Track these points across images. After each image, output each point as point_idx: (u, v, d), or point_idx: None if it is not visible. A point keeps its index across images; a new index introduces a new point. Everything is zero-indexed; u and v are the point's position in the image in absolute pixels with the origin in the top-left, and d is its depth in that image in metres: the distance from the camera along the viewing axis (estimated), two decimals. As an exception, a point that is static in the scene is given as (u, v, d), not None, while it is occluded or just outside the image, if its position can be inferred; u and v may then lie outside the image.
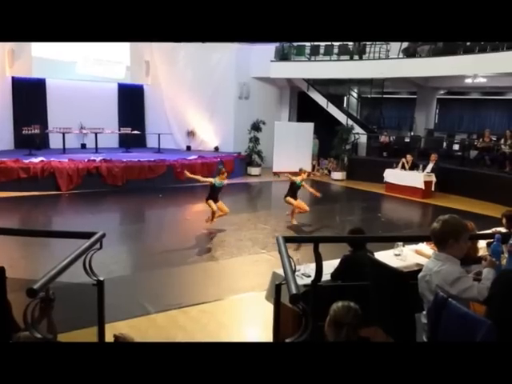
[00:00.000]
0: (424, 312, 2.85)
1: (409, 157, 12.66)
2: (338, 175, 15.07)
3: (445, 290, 2.60)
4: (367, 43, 14.70)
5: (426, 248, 4.71)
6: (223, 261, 6.82)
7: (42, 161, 11.54)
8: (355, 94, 17.34)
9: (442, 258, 2.74)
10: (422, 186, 11.99)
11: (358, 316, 2.46)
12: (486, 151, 12.96)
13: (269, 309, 3.90)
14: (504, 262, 3.31)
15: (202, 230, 8.53)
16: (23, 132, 13.17)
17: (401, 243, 4.69)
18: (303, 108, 17.54)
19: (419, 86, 16.42)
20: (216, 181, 8.32)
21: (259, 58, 15.99)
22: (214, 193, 8.38)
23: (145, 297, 5.32)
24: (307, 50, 15.76)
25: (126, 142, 15.55)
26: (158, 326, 4.68)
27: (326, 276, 3.80)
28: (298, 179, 8.76)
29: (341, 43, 15.03)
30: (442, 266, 2.70)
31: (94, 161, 12.10)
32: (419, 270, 2.95)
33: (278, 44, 15.76)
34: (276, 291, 2.98)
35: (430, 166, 12.45)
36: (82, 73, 15.13)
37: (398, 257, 4.56)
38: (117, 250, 7.03)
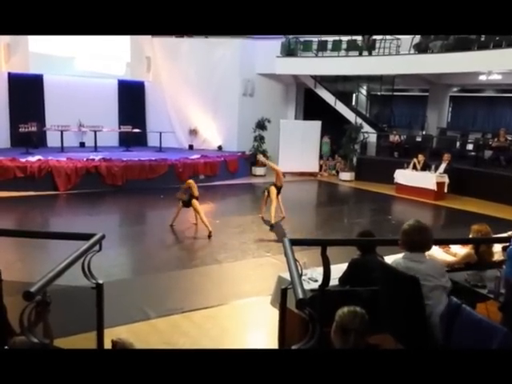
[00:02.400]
0: None
1: (420, 157, 12.60)
2: (346, 176, 15.04)
3: (436, 284, 2.97)
4: (377, 38, 14.67)
5: (438, 251, 4.69)
6: (227, 264, 6.81)
7: (40, 160, 11.57)
8: (364, 92, 17.30)
9: (422, 257, 3.13)
10: (434, 187, 11.94)
11: (365, 321, 2.45)
12: (501, 151, 12.89)
13: (274, 314, 3.90)
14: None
15: (206, 232, 8.53)
16: (20, 130, 13.22)
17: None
18: (310, 106, 17.51)
19: (431, 82, 16.37)
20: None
21: (264, 54, 15.98)
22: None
23: (145, 301, 5.32)
24: (314, 46, 15.74)
25: (126, 141, 15.57)
26: (159, 331, 4.68)
27: (334, 280, 3.80)
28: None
29: (349, 38, 15.01)
30: (427, 261, 3.12)
31: (93, 160, 12.13)
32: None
33: (283, 39, 15.74)
34: (282, 296, 2.98)
35: (442, 167, 12.40)
36: (80, 69, 15.18)
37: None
38: (117, 252, 7.05)
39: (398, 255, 4.67)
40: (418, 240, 3.07)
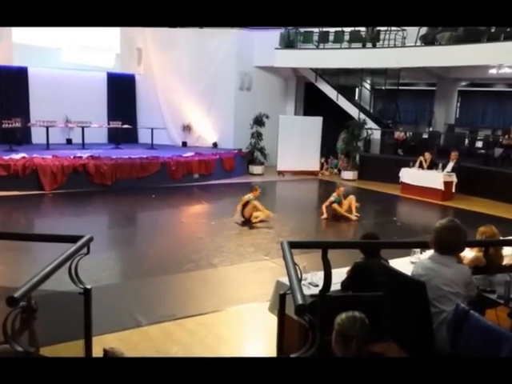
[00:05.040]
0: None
1: (427, 155, 12.62)
2: (348, 175, 15.07)
3: (458, 292, 2.91)
4: (381, 29, 14.68)
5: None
6: (222, 268, 6.82)
7: (24, 157, 11.55)
8: (368, 86, 17.32)
9: (451, 261, 3.04)
10: (441, 186, 11.97)
11: (365, 326, 2.46)
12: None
13: (272, 321, 3.91)
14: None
15: (200, 234, 8.56)
16: (3, 126, 13.18)
17: (418, 250, 4.68)
18: (311, 101, 17.53)
19: (439, 76, 16.41)
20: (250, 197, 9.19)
21: (262, 46, 15.99)
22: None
23: (136, 307, 5.32)
24: (315, 37, 15.75)
25: (116, 138, 15.56)
26: (151, 339, 4.68)
27: (336, 285, 3.81)
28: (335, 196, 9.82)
29: (352, 29, 15.02)
30: (456, 267, 3.03)
31: (81, 158, 12.11)
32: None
33: (283, 30, 15.75)
34: (280, 302, 2.99)
35: (450, 165, 12.43)
36: (67, 61, 15.15)
37: (414, 265, 4.55)
38: (105, 255, 7.04)
39: (403, 259, 4.71)
40: (447, 241, 3.01)
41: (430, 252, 4.79)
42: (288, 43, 15.91)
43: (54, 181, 11.40)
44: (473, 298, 3.06)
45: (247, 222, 9.05)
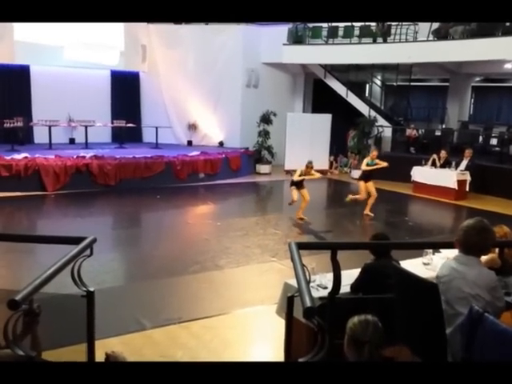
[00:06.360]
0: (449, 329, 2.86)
1: (443, 153, 12.45)
2: (358, 173, 14.98)
3: (479, 295, 2.83)
4: (392, 23, 14.63)
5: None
6: (229, 270, 6.82)
7: (26, 157, 11.62)
8: (379, 82, 17.27)
9: (476, 262, 2.97)
10: (454, 185, 11.91)
11: (378, 331, 2.44)
12: (528, 146, 12.87)
13: (280, 324, 3.90)
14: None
15: (206, 235, 8.56)
16: (5, 125, 13.27)
17: (430, 250, 4.66)
18: (319, 97, 17.50)
19: (452, 72, 16.33)
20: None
21: (270, 42, 15.99)
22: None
23: (140, 310, 5.33)
24: (324, 32, 15.72)
25: (120, 137, 15.61)
26: (155, 342, 4.69)
27: (345, 287, 3.79)
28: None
29: (362, 24, 14.98)
30: (480, 269, 2.96)
31: (84, 157, 12.16)
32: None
33: (290, 25, 15.73)
34: (288, 304, 2.98)
35: (463, 163, 12.36)
36: (70, 58, 15.21)
37: (427, 266, 4.54)
38: (109, 257, 7.07)
39: (415, 260, 4.69)
40: (474, 242, 2.97)
41: (442, 253, 4.79)
42: (296, 39, 15.90)
43: (57, 181, 11.45)
44: (502, 309, 2.96)
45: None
